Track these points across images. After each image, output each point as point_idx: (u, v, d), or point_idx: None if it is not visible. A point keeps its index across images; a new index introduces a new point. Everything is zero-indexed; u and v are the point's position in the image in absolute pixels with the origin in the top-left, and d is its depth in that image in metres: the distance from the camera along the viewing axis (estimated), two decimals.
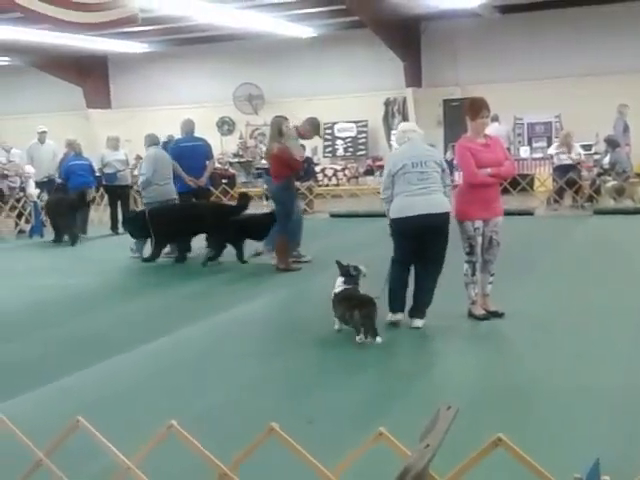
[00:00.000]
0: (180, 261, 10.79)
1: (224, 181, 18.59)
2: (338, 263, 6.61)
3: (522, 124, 19.46)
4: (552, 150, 15.57)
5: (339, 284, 6.48)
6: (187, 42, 21.36)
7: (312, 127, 10.37)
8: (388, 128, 21.17)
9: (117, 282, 9.68)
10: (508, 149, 17.18)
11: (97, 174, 14.74)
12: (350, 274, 6.47)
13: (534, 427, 4.31)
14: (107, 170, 14.28)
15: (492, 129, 16.89)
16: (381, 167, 19.49)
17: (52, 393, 5.38)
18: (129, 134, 19.89)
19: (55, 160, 16.20)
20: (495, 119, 17.62)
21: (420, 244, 6.43)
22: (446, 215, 6.44)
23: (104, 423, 3.40)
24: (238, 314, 7.60)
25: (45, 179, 16.17)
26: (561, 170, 14.88)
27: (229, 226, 10.06)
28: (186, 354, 6.28)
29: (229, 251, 10.34)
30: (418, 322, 6.55)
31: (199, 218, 10.39)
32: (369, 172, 20.82)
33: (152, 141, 11.33)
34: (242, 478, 3.03)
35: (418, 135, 6.72)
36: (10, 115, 23.67)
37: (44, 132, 16.18)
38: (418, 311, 6.57)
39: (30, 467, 3.22)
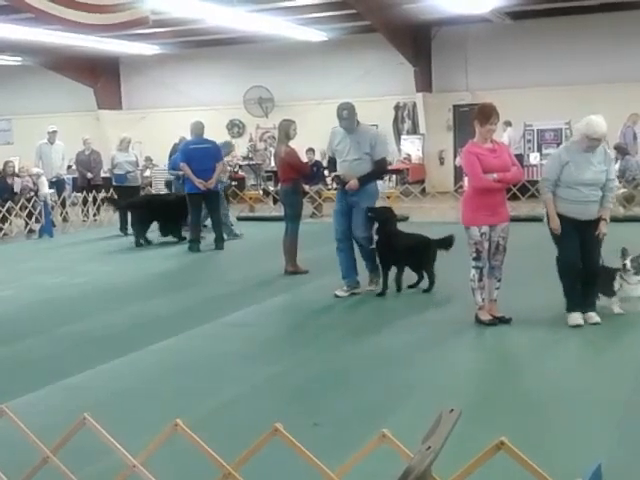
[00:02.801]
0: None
1: (233, 183, 18.67)
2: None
3: (532, 130, 19.46)
4: None
5: None
6: (198, 44, 21.44)
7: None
8: (398, 133, 21.19)
9: (125, 283, 9.71)
10: (519, 155, 17.24)
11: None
12: None
13: (538, 431, 4.32)
14: (117, 171, 14.35)
15: (507, 134, 17.07)
16: (391, 171, 19.50)
17: (60, 391, 5.43)
18: (140, 135, 19.99)
19: (64, 161, 16.30)
20: (508, 124, 17.69)
21: None
22: None
23: (111, 421, 3.43)
24: (246, 316, 7.64)
25: (54, 179, 16.29)
26: None
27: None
28: (193, 355, 6.31)
29: (240, 253, 10.33)
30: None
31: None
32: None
33: None
34: (246, 478, 3.05)
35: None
36: (21, 115, 23.81)
37: (54, 132, 16.28)
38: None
39: (37, 464, 3.24)
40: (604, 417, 4.58)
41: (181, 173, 12.41)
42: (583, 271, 6.60)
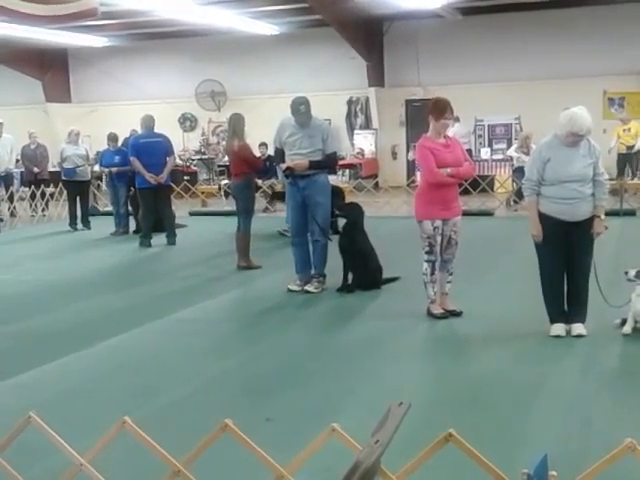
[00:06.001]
0: None
1: (186, 178, 18.51)
2: None
3: (483, 126, 19.68)
4: (511, 152, 15.77)
5: None
6: (149, 37, 21.19)
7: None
8: (351, 127, 21.25)
9: (74, 280, 9.56)
10: (469, 150, 17.43)
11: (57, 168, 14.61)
12: None
13: (487, 423, 4.37)
14: (66, 165, 14.09)
15: (453, 129, 17.18)
16: (343, 166, 19.55)
17: (7, 390, 5.32)
18: (89, 129, 19.67)
19: (13, 154, 15.98)
20: (457, 119, 17.84)
21: None
22: None
23: (59, 420, 3.37)
24: (199, 312, 7.58)
25: (3, 173, 15.96)
26: (520, 171, 15.01)
27: None
28: (144, 352, 6.24)
29: (193, 249, 10.24)
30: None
31: None
32: (331, 171, 20.82)
33: None
34: (197, 475, 3.02)
35: None
36: None
37: (0, 124, 15.93)
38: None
39: None
40: (553, 408, 4.65)
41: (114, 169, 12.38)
42: (570, 278, 6.09)
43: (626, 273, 6.14)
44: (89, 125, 20.45)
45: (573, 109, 5.87)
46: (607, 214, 6.21)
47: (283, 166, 8.11)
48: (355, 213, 8.26)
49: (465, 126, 18.66)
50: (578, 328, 6.08)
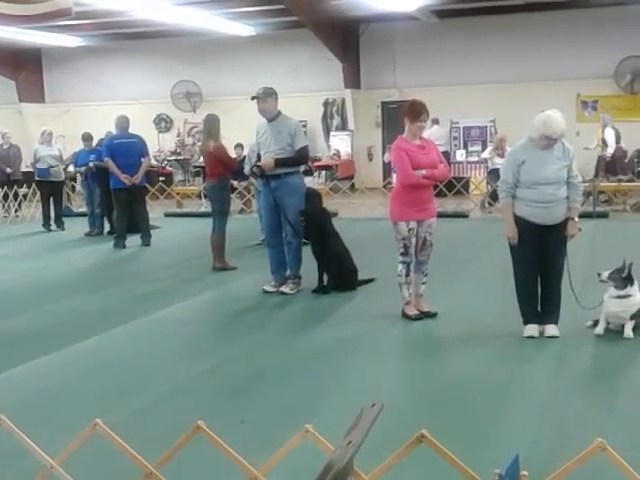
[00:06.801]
0: None
1: (161, 179, 18.41)
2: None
3: (458, 128, 19.78)
4: (486, 154, 15.87)
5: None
6: (124, 37, 21.06)
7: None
8: (327, 129, 21.26)
9: (48, 281, 9.47)
10: (447, 152, 17.50)
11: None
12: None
13: (461, 423, 4.39)
14: (40, 165, 13.97)
15: (432, 131, 17.28)
16: (319, 168, 19.57)
17: None
18: (63, 129, 19.51)
19: None
20: (435, 122, 17.95)
21: None
22: None
23: (31, 422, 3.35)
24: (174, 313, 7.54)
25: None
26: (495, 174, 15.11)
27: None
28: (118, 353, 6.19)
29: (168, 250, 10.19)
30: None
31: None
32: (307, 172, 20.78)
33: None
34: (170, 477, 3.01)
35: None
36: None
37: None
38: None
39: None
40: (526, 408, 4.68)
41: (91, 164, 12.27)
42: (543, 279, 6.12)
43: (599, 275, 6.19)
44: (63, 125, 20.27)
45: (547, 112, 5.91)
46: (580, 216, 6.27)
47: (247, 169, 8.05)
48: (318, 219, 8.15)
49: (444, 128, 18.75)
50: (551, 329, 6.13)
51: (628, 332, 6.02)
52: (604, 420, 4.40)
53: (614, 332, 6.10)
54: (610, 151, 15.86)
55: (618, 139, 16.05)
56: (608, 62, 18.35)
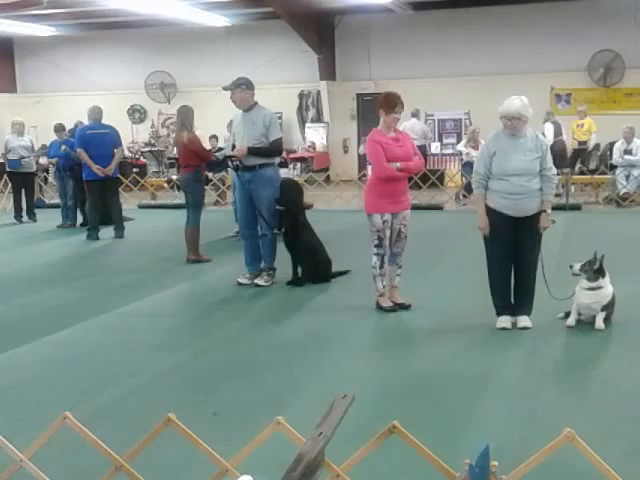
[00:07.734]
0: None
1: (135, 170, 18.27)
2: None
3: (433, 120, 19.82)
4: (460, 146, 15.94)
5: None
6: (98, 27, 20.81)
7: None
8: (302, 121, 21.20)
9: (19, 273, 9.36)
10: (423, 146, 17.49)
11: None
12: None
13: (435, 415, 4.41)
14: (11, 156, 13.78)
15: (410, 124, 17.29)
16: (295, 159, 19.53)
17: None
18: (35, 120, 19.29)
19: None
20: (415, 115, 17.97)
21: None
22: None
23: (0, 416, 3.30)
24: (146, 305, 7.49)
25: None
26: (469, 166, 15.20)
27: None
28: (90, 346, 6.13)
29: (141, 242, 10.13)
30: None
31: None
32: (282, 164, 20.72)
33: None
34: (140, 470, 2.99)
35: None
36: None
37: None
38: None
39: None
40: (498, 399, 4.71)
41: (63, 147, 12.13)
42: (516, 272, 6.15)
43: (571, 267, 6.24)
44: (35, 116, 20.05)
45: (512, 96, 6.02)
46: (553, 209, 6.30)
47: (220, 155, 7.99)
48: (291, 210, 8.06)
49: (421, 122, 18.71)
50: (524, 320, 6.17)
51: (599, 323, 6.08)
52: (574, 410, 4.45)
53: (585, 323, 6.16)
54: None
55: (557, 133, 16.24)
56: (581, 55, 18.47)
